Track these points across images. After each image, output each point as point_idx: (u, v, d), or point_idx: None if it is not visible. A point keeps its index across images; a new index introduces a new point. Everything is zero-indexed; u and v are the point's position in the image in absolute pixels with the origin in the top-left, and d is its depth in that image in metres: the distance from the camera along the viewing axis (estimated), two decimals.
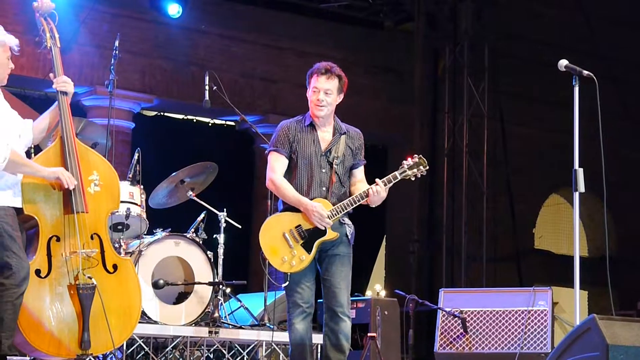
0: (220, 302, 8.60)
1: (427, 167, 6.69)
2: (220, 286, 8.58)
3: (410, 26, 15.48)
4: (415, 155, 6.70)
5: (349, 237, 6.63)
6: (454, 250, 15.13)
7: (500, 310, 9.04)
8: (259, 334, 8.57)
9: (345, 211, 6.51)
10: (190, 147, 13.61)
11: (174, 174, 8.93)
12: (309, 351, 6.65)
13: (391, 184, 6.54)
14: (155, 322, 8.13)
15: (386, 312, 9.51)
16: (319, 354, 8.81)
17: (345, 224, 6.61)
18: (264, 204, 9.52)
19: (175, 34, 13.88)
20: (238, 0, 14.50)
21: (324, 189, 6.57)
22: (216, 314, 8.49)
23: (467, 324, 9.05)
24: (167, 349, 8.26)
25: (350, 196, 6.55)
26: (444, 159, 14.82)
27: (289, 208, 6.56)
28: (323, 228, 6.46)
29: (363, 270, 15.69)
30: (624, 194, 15.86)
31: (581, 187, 5.93)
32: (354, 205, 6.53)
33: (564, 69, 6.13)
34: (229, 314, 8.89)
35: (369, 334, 9.03)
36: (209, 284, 8.50)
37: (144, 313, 7.92)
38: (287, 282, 6.54)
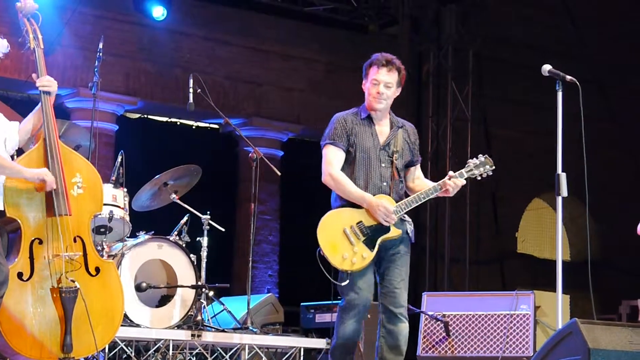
0: (203, 305, 8.59)
1: (494, 167, 6.48)
2: (203, 289, 8.57)
3: (395, 30, 15.49)
4: (481, 155, 6.54)
5: (410, 234, 6.42)
6: (437, 253, 15.15)
7: (483, 314, 9.05)
8: (241, 337, 8.56)
9: (411, 207, 6.29)
10: (174, 150, 13.61)
11: (157, 176, 8.91)
12: (352, 351, 6.32)
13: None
14: (138, 325, 8.11)
15: (369, 316, 9.48)
16: (301, 358, 8.81)
17: (405, 220, 6.39)
18: (248, 206, 9.51)
19: (159, 36, 13.86)
20: (223, 2, 14.48)
21: (384, 184, 6.32)
22: (199, 317, 8.48)
23: (450, 328, 9.05)
24: (149, 352, 8.25)
25: (411, 194, 6.36)
26: (427, 162, 14.81)
27: (347, 204, 6.27)
28: (387, 225, 6.20)
29: None
30: (607, 198, 15.89)
31: (564, 192, 5.95)
32: (422, 201, 6.32)
33: (548, 74, 6.15)
34: (211, 317, 8.87)
35: None
36: (192, 287, 8.48)
37: (126, 316, 7.90)
38: (347, 281, 6.17)
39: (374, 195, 6.25)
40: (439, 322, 9.11)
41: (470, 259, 15.05)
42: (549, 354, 5.33)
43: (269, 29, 14.87)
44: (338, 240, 6.16)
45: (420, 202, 6.31)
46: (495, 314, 9.04)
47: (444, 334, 9.08)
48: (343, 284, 6.18)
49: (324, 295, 10.33)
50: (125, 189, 8.72)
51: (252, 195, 9.02)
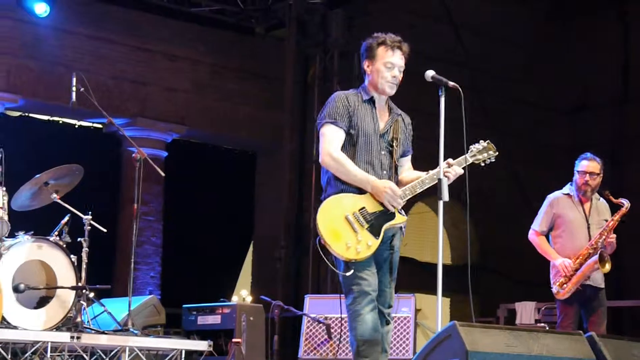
0: (83, 307, 8.48)
1: (497, 153, 6.21)
2: (83, 290, 8.46)
3: (282, 33, 15.53)
4: (482, 140, 6.26)
5: (403, 229, 6.12)
6: (320, 256, 15.17)
7: None
8: (122, 339, 8.47)
9: (415, 193, 5.96)
10: (56, 149, 13.36)
11: (37, 175, 8.77)
12: (381, 345, 5.87)
13: (462, 167, 6.03)
14: (15, 327, 7.95)
15: (252, 318, 9.51)
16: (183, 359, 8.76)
17: (401, 214, 6.02)
18: (131, 207, 9.41)
19: (42, 33, 13.61)
20: (108, 1, 14.32)
21: (384, 172, 5.98)
22: (78, 319, 8.36)
23: (332, 330, 9.11)
24: (26, 355, 8.09)
25: (399, 185, 5.97)
26: (312, 165, 14.87)
27: (346, 189, 5.88)
28: (393, 209, 5.85)
29: (229, 275, 15.67)
30: (486, 203, 16.18)
31: (445, 196, 6.01)
32: (425, 188, 5.97)
33: (431, 80, 6.22)
34: (91, 319, 8.76)
35: (233, 340, 9.02)
36: (72, 288, 8.36)
37: (3, 318, 7.75)
38: (352, 271, 5.80)
39: None
40: (320, 325, 9.16)
41: None
42: (428, 356, 5.39)
43: (155, 28, 14.75)
44: (340, 227, 5.80)
45: (423, 189, 6.01)
46: None
47: (325, 337, 9.13)
48: (348, 274, 5.83)
49: (206, 298, 10.31)
50: (5, 188, 8.54)
51: (135, 196, 8.94)
